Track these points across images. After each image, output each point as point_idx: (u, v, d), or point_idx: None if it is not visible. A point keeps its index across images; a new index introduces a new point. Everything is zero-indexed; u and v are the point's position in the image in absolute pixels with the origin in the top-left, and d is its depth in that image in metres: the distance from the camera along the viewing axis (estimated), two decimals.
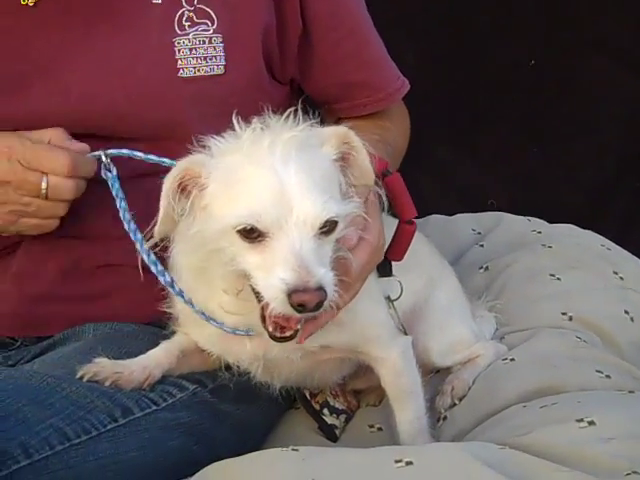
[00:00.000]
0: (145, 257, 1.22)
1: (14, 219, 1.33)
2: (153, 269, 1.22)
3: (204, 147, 1.17)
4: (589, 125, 2.45)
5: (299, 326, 1.13)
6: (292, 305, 1.06)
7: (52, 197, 1.30)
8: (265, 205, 1.07)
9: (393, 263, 1.32)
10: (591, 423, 1.15)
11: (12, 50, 1.40)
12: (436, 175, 2.55)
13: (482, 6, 2.47)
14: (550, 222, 1.96)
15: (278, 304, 1.07)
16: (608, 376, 1.38)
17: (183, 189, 1.14)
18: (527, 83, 2.47)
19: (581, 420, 1.16)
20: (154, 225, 1.15)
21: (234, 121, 1.17)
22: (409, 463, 1.10)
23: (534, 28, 2.47)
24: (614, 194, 2.46)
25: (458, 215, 2.01)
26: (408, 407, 1.38)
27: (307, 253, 1.07)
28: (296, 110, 1.18)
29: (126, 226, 1.25)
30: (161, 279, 1.22)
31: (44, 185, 1.29)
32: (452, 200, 2.43)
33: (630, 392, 1.32)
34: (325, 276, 1.07)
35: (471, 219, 1.99)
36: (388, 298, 1.34)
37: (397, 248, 1.32)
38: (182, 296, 1.22)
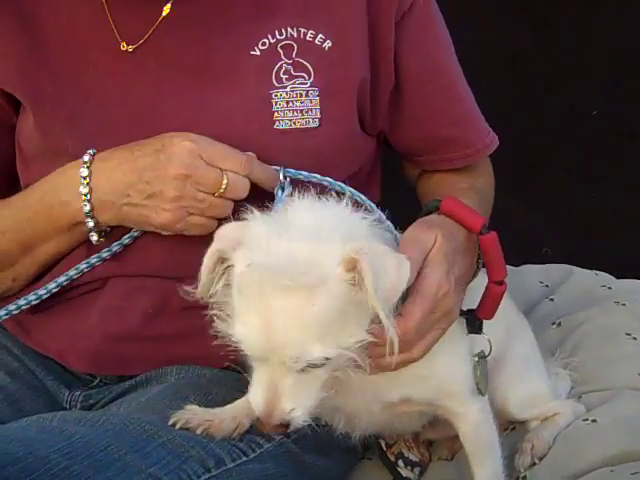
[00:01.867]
0: None
1: (184, 216, 1.32)
2: None
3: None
4: None
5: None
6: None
7: (228, 194, 1.30)
8: (252, 340, 1.10)
9: None
10: None
11: (110, 95, 1.41)
12: (493, 222, 2.54)
13: (546, 53, 2.48)
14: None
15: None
16: None
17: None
18: (589, 132, 2.48)
19: None
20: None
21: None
22: None
23: (598, 77, 2.47)
24: None
25: (524, 266, 2.01)
26: (486, 463, 1.37)
27: (282, 390, 1.11)
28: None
29: None
30: None
31: (225, 181, 1.30)
32: (507, 247, 2.41)
33: None
34: (291, 413, 1.12)
35: (538, 271, 1.98)
36: (481, 354, 1.33)
37: (486, 307, 1.32)
38: None
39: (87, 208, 1.35)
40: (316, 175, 1.35)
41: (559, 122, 2.47)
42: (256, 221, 1.14)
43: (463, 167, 1.58)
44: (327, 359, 1.09)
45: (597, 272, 1.95)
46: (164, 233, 1.36)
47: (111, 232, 1.41)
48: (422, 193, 1.63)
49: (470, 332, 1.33)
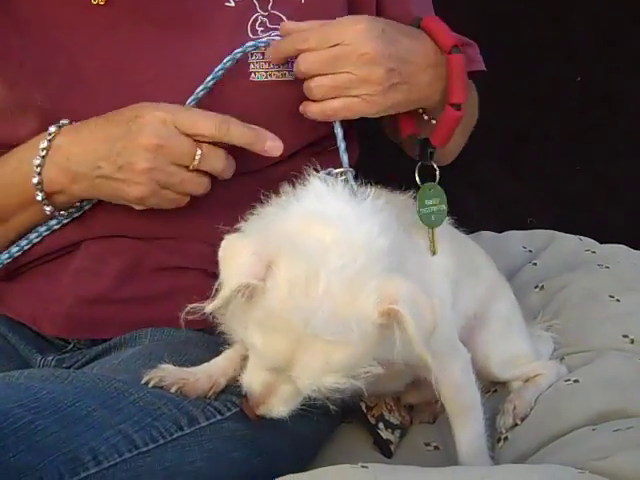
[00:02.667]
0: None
1: (157, 190, 1.28)
2: None
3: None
4: (634, 145, 2.43)
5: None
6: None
7: (203, 166, 1.27)
8: (271, 357, 1.10)
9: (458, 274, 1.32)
10: None
11: (80, 49, 1.38)
12: (477, 190, 2.53)
13: (529, 22, 2.46)
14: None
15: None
16: None
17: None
18: (573, 100, 2.45)
19: None
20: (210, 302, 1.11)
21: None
22: None
23: (582, 45, 2.45)
24: None
25: (508, 232, 1.98)
26: (468, 425, 1.35)
27: (281, 393, 1.14)
28: None
29: None
30: None
31: (199, 152, 1.26)
32: (492, 216, 2.40)
33: None
34: (277, 413, 1.15)
35: (522, 236, 1.96)
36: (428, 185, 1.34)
37: (440, 132, 1.33)
38: None
39: (35, 180, 1.32)
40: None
41: (543, 91, 2.44)
42: (286, 247, 1.08)
43: None
44: (337, 388, 1.09)
45: (581, 237, 1.93)
46: (137, 207, 1.32)
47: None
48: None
49: (421, 160, 1.35)
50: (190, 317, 1.10)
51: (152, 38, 1.37)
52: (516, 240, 1.94)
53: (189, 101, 1.33)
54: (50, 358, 1.42)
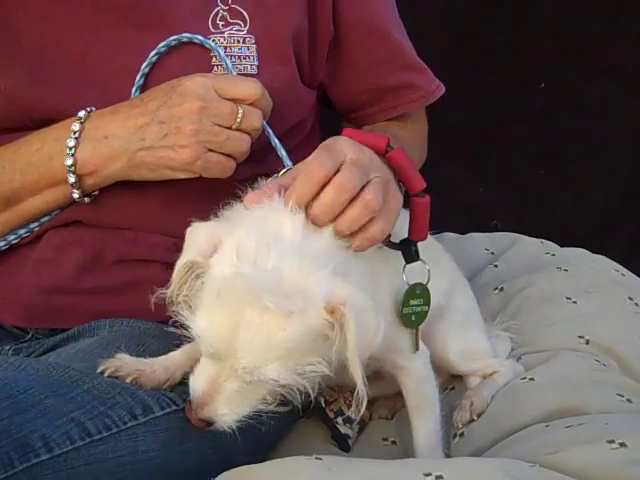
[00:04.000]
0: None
1: (203, 152, 1.28)
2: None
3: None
4: (597, 149, 2.47)
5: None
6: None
7: (244, 126, 1.28)
8: (214, 340, 1.09)
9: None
10: (622, 445, 1.13)
11: (44, 39, 1.37)
12: (442, 192, 2.55)
13: (495, 26, 2.49)
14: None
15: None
16: (629, 400, 1.36)
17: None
18: (537, 105, 2.49)
19: (612, 442, 1.14)
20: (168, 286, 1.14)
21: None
22: (439, 477, 1.08)
23: (546, 50, 2.48)
24: (621, 218, 2.47)
25: (471, 234, 2.00)
26: (427, 418, 1.37)
27: (224, 391, 1.11)
28: None
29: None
30: None
31: (240, 111, 1.28)
32: (457, 218, 2.43)
33: None
34: (222, 417, 1.12)
35: (484, 238, 1.98)
36: (418, 285, 1.28)
37: (416, 227, 1.25)
38: None
39: (69, 161, 1.31)
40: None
41: (506, 95, 2.47)
42: (238, 227, 1.11)
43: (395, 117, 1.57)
44: (278, 381, 1.08)
45: (542, 240, 1.95)
46: (181, 176, 1.31)
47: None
48: None
49: (408, 261, 1.28)
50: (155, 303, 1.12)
51: (114, 28, 1.37)
52: (479, 242, 1.96)
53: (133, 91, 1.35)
54: (7, 347, 1.41)
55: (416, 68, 1.58)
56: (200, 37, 1.35)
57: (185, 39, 1.35)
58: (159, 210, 1.40)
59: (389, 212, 1.17)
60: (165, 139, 1.28)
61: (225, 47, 1.38)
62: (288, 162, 1.33)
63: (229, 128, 1.29)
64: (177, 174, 1.32)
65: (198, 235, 1.13)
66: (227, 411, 1.12)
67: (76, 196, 1.35)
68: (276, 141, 1.34)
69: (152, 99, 1.30)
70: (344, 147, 1.16)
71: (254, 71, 1.40)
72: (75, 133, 1.31)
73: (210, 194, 1.42)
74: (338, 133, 1.64)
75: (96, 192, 1.38)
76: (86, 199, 1.37)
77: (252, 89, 1.30)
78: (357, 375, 1.07)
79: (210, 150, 1.29)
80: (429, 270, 1.29)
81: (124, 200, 1.38)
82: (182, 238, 1.39)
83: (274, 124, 1.43)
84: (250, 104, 1.31)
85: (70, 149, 1.31)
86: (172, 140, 1.28)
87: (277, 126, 1.44)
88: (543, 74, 2.48)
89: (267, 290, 1.04)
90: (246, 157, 1.33)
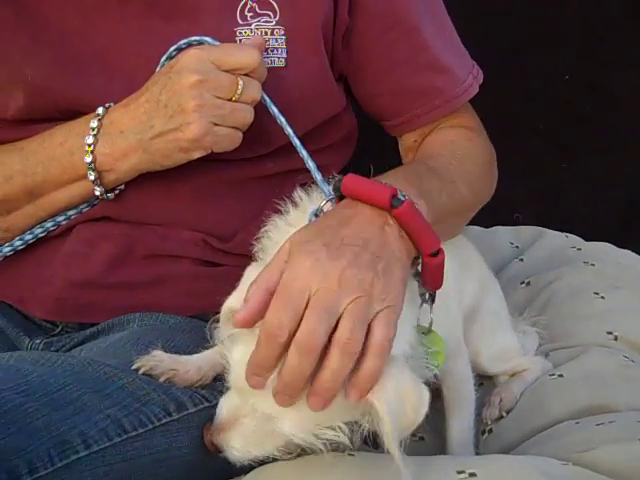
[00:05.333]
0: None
1: (209, 126, 1.26)
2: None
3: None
4: (622, 141, 2.45)
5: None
6: None
7: (245, 97, 1.27)
8: (238, 376, 1.06)
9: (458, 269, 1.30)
10: None
11: (70, 26, 1.37)
12: None
13: (518, 18, 2.47)
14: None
15: None
16: None
17: None
18: (560, 97, 2.47)
19: None
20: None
21: None
22: (472, 475, 1.08)
23: (569, 42, 2.46)
24: None
25: (495, 227, 2.00)
26: (463, 416, 1.38)
27: (240, 426, 1.09)
28: None
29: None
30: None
31: (240, 82, 1.26)
32: (479, 211, 2.41)
33: None
34: (231, 450, 1.11)
35: (509, 232, 1.98)
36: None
37: (428, 280, 1.11)
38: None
39: (88, 159, 1.31)
40: (283, 120, 1.29)
41: (530, 87, 2.46)
42: None
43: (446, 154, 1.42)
44: (292, 437, 1.05)
45: (567, 234, 1.95)
46: (195, 155, 1.29)
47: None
48: None
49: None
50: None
51: (141, 19, 1.36)
52: (503, 236, 1.95)
53: None
54: (38, 341, 1.41)
55: (440, 68, 1.48)
56: (209, 39, 1.31)
57: (194, 42, 1.31)
58: (188, 206, 1.40)
59: (386, 319, 0.99)
60: (171, 121, 1.27)
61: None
62: (302, 151, 1.27)
63: (230, 100, 1.27)
64: (191, 154, 1.30)
65: (249, 277, 1.06)
66: (238, 446, 1.10)
67: (98, 193, 1.35)
68: (282, 119, 1.30)
69: (154, 83, 1.30)
70: (306, 274, 0.97)
71: (282, 64, 1.38)
72: (93, 130, 1.31)
73: (239, 190, 1.43)
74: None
75: (121, 187, 1.38)
76: (109, 195, 1.37)
77: (249, 57, 1.27)
78: (397, 457, 1.00)
79: (216, 124, 1.27)
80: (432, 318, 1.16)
81: (153, 196, 1.38)
82: (211, 234, 1.41)
83: (306, 118, 1.42)
84: (247, 74, 1.28)
85: (89, 146, 1.31)
86: (178, 120, 1.26)
87: (310, 120, 1.43)
88: (567, 66, 2.46)
89: None
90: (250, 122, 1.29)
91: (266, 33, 1.38)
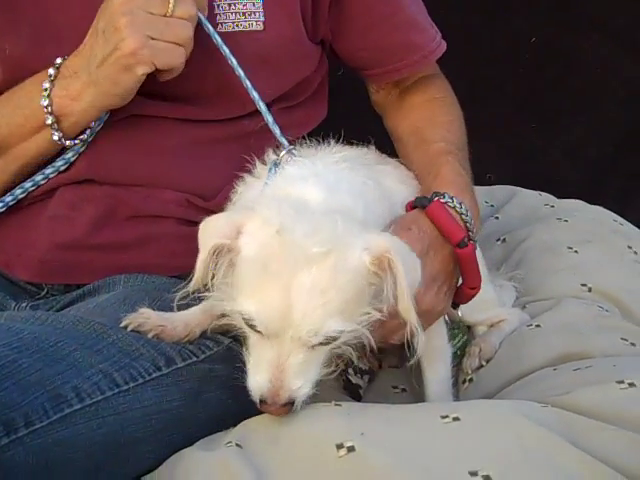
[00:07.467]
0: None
1: (145, 39, 1.26)
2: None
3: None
4: (589, 102, 2.48)
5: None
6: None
7: (179, 13, 1.28)
8: (269, 315, 1.08)
9: None
10: (632, 385, 1.16)
11: (49, 3, 1.37)
12: None
13: None
14: None
15: (253, 398, 1.14)
16: (633, 344, 1.41)
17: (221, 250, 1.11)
18: (528, 59, 2.50)
19: (621, 382, 1.17)
20: (191, 278, 1.11)
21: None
22: (456, 419, 1.11)
23: (536, 5, 2.49)
24: (614, 171, 2.50)
25: None
26: (438, 366, 1.41)
27: (290, 367, 1.10)
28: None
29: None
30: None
31: None
32: None
33: None
34: (299, 390, 1.12)
35: (483, 192, 2.00)
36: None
37: (459, 300, 1.37)
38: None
39: (45, 102, 1.33)
40: (247, 82, 1.33)
41: (498, 51, 2.48)
42: (259, 207, 1.12)
43: (434, 104, 1.57)
44: (342, 332, 1.09)
45: (540, 193, 1.99)
46: (139, 70, 1.28)
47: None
48: (395, 136, 1.61)
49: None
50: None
51: None
52: (479, 195, 1.94)
53: None
54: (24, 305, 1.42)
55: (417, 26, 1.57)
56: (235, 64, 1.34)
57: None
58: (171, 166, 1.41)
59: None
60: (109, 44, 1.28)
61: (229, 4, 1.38)
62: (260, 103, 1.33)
63: (165, 15, 1.27)
64: (135, 71, 1.29)
65: (217, 223, 1.12)
66: (301, 383, 1.12)
67: (56, 138, 1.36)
68: (233, 60, 1.33)
69: (97, 19, 1.31)
70: None
71: (260, 27, 1.40)
72: (50, 76, 1.34)
73: (220, 149, 1.45)
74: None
75: (84, 136, 1.37)
76: (76, 142, 1.37)
77: None
78: (413, 317, 1.10)
79: (153, 39, 1.27)
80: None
81: (135, 157, 1.39)
82: (194, 193, 1.43)
83: (280, 80, 1.45)
84: None
85: (45, 90, 1.34)
86: (114, 41, 1.28)
87: (284, 82, 1.46)
88: (534, 29, 2.49)
89: (311, 236, 1.05)
90: (190, 50, 1.30)
91: None
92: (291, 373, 1.11)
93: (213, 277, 1.12)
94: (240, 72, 1.33)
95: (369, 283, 1.11)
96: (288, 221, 1.07)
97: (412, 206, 1.32)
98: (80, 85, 1.33)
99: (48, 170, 1.40)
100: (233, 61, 1.33)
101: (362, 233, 1.10)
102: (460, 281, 1.34)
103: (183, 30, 1.28)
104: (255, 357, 1.13)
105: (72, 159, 1.40)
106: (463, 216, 1.32)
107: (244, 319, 1.11)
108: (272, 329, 1.09)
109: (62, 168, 1.40)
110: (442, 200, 1.31)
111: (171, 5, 1.27)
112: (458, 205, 1.32)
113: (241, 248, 1.09)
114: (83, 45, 1.33)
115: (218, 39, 1.33)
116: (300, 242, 1.06)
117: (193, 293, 1.14)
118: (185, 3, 1.28)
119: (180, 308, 1.30)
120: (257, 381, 1.12)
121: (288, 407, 1.12)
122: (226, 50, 1.33)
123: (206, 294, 1.15)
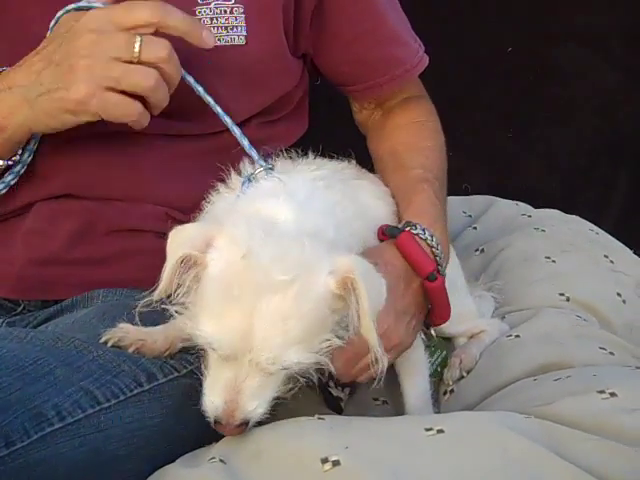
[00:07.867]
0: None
1: (98, 89, 1.20)
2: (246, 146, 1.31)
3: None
4: (565, 112, 2.50)
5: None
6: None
7: (146, 56, 1.20)
8: (227, 339, 1.07)
9: None
10: (613, 394, 1.18)
11: (28, 10, 1.36)
12: None
13: None
14: None
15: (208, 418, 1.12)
16: (612, 353, 1.42)
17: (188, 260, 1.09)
18: (504, 69, 2.51)
19: (602, 392, 1.18)
20: (156, 287, 1.10)
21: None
22: (440, 431, 1.12)
23: (513, 15, 2.50)
24: (589, 181, 2.52)
25: (449, 198, 2.03)
26: (417, 381, 1.41)
27: (247, 388, 1.09)
28: None
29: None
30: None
31: (137, 39, 1.19)
32: None
33: (638, 368, 1.36)
34: (254, 411, 1.11)
35: (461, 202, 2.02)
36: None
37: (436, 310, 1.35)
38: None
39: None
40: (211, 102, 1.30)
41: (476, 60, 2.49)
42: (230, 221, 1.11)
43: (415, 129, 1.55)
44: (300, 363, 1.08)
45: (517, 202, 2.00)
46: (83, 118, 1.23)
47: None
48: (375, 157, 1.58)
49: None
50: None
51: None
52: (456, 205, 1.99)
53: None
54: (0, 321, 1.40)
55: (399, 40, 1.56)
56: (97, 4, 1.26)
57: (84, 7, 1.27)
58: (149, 180, 1.40)
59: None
60: (60, 80, 1.22)
61: (211, 18, 1.37)
62: (227, 121, 1.32)
63: (129, 61, 1.21)
64: (79, 117, 1.24)
65: (187, 233, 1.10)
66: (255, 404, 1.10)
67: None
68: (201, 91, 1.30)
69: (50, 42, 1.27)
70: None
71: (242, 42, 1.39)
72: None
73: (199, 162, 1.44)
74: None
75: (18, 156, 1.33)
76: (11, 162, 1.33)
77: (147, 12, 1.21)
78: (373, 338, 1.08)
79: (110, 89, 1.21)
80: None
81: (113, 172, 1.38)
82: (173, 208, 1.42)
83: (262, 95, 1.45)
84: (155, 33, 1.22)
85: None
86: (66, 80, 1.22)
87: (265, 96, 1.46)
88: (510, 39, 2.51)
89: (278, 262, 1.04)
90: (166, 100, 1.25)
91: (225, 12, 1.39)
92: (247, 395, 1.09)
93: (178, 288, 1.10)
94: (209, 99, 1.30)
95: (332, 310, 1.09)
96: (255, 245, 1.06)
97: (383, 232, 1.32)
98: (12, 102, 1.27)
99: (9, 177, 1.35)
100: (199, 89, 1.30)
101: (330, 255, 1.09)
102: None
103: (145, 79, 1.21)
104: (212, 377, 1.11)
105: (12, 182, 1.35)
106: (433, 249, 1.32)
107: (203, 341, 1.09)
108: (230, 353, 1.07)
109: (3, 192, 1.35)
110: (413, 231, 1.31)
111: (136, 49, 1.20)
112: (429, 237, 1.32)
113: (208, 263, 1.08)
114: (29, 62, 1.27)
115: (200, 89, 1.31)
116: (265, 268, 1.04)
117: (156, 302, 1.11)
118: (154, 45, 1.21)
119: (156, 321, 1.28)
120: (212, 402, 1.11)
121: (242, 427, 1.11)
122: (190, 79, 1.30)
123: (169, 307, 1.13)
